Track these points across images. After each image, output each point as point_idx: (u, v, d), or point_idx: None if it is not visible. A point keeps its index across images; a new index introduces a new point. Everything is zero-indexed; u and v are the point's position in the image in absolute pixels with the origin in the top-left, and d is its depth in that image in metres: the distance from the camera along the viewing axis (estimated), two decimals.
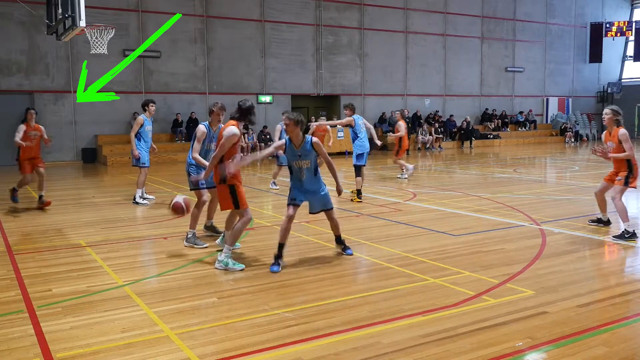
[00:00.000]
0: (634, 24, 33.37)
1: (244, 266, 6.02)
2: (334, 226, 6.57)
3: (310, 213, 6.64)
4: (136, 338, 4.18)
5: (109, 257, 6.62)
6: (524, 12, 31.17)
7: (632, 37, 33.58)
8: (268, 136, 23.05)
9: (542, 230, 7.75)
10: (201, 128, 7.11)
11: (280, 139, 11.03)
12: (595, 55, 33.63)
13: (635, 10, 35.70)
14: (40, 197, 10.35)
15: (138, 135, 10.70)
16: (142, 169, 10.78)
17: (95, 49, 14.57)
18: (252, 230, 8.08)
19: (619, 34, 33.61)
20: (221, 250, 6.14)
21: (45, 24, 12.57)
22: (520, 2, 30.93)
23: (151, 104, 10.78)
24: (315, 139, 6.17)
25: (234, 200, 6.03)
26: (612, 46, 34.37)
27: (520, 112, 31.43)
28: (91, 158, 21.04)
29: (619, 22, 33.74)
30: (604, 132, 7.61)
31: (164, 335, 4.23)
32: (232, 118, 6.21)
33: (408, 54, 27.57)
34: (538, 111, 32.68)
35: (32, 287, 5.42)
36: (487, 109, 30.21)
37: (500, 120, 30.26)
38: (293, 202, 6.22)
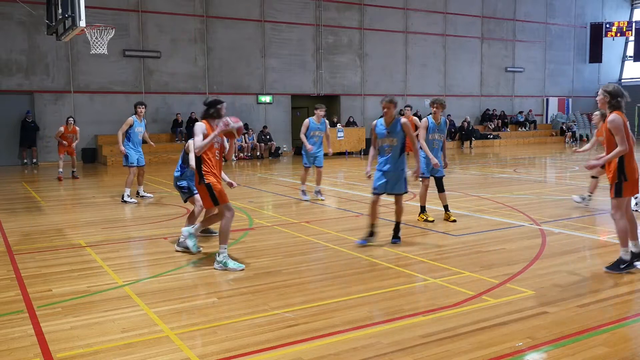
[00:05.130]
0: (634, 24, 33.36)
1: (244, 266, 6.01)
2: (398, 212, 7.13)
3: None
4: (136, 338, 4.18)
5: (109, 257, 6.62)
6: (524, 12, 31.16)
7: (632, 37, 33.58)
8: (268, 136, 23.06)
9: (542, 230, 7.75)
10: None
11: (306, 134, 10.68)
12: (595, 55, 33.61)
13: (635, 10, 35.70)
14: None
15: (128, 136, 11.04)
16: (130, 168, 11.08)
17: (95, 49, 14.57)
18: (252, 231, 8.08)
19: (619, 34, 33.60)
20: (217, 252, 6.09)
21: (45, 24, 12.56)
22: (520, 2, 30.92)
23: (139, 107, 11.17)
24: (404, 120, 6.91)
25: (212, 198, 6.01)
26: (612, 46, 34.36)
27: (520, 112, 31.43)
28: (91, 158, 21.04)
29: (619, 22, 33.73)
30: None
31: (164, 335, 4.23)
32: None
33: (408, 54, 27.57)
34: (538, 111, 32.67)
35: (32, 287, 5.42)
36: (487, 109, 30.21)
37: (500, 121, 30.25)
38: (374, 192, 7.01)
